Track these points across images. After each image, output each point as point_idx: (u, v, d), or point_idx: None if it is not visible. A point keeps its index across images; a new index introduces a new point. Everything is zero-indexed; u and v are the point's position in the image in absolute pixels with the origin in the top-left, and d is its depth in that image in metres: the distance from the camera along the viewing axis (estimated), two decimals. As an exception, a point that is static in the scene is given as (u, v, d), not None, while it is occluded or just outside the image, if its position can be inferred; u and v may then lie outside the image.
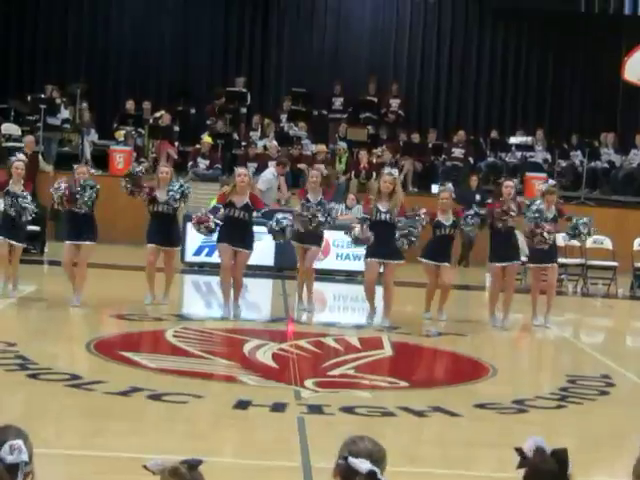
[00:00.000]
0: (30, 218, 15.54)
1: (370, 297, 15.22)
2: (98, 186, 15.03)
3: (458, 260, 22.19)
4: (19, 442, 3.91)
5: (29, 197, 15.26)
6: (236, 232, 14.87)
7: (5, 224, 15.60)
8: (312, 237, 15.88)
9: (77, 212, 15.09)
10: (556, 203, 15.91)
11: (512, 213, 15.28)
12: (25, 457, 3.87)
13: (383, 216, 14.80)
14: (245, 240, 14.97)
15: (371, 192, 16.78)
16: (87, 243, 15.19)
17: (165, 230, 15.65)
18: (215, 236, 15.31)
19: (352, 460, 4.28)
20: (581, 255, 20.79)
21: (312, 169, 18.44)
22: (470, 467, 8.61)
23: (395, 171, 17.84)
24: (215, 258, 17.88)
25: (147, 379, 10.91)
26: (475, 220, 15.51)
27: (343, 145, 25.37)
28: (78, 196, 14.79)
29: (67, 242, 15.33)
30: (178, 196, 15.45)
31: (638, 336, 17.98)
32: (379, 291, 15.20)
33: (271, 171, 22.31)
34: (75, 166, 15.88)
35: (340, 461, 4.24)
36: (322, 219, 15.40)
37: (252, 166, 22.90)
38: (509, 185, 15.96)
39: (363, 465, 4.18)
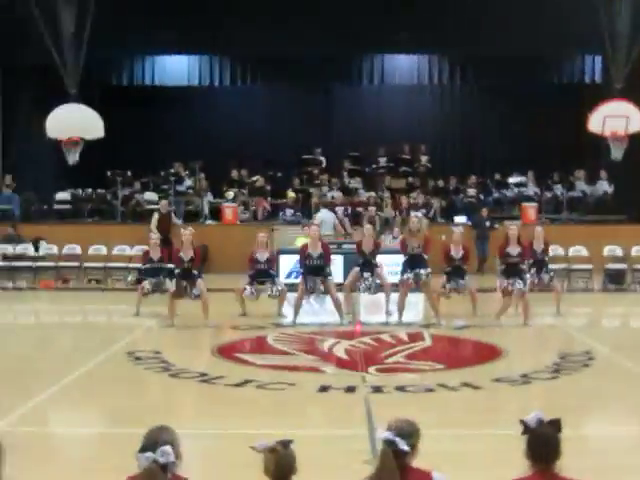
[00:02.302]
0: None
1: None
2: None
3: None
4: (168, 448, 3.77)
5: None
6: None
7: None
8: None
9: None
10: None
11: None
12: (172, 459, 3.76)
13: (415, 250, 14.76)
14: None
15: (404, 232, 16.36)
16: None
17: None
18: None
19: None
20: (566, 262, 20.53)
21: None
22: (492, 428, 8.49)
23: (419, 214, 17.57)
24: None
25: (255, 373, 10.91)
26: None
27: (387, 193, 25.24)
28: None
29: None
30: None
31: (610, 320, 17.63)
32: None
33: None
34: None
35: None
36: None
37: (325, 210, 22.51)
38: (513, 228, 15.62)
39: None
